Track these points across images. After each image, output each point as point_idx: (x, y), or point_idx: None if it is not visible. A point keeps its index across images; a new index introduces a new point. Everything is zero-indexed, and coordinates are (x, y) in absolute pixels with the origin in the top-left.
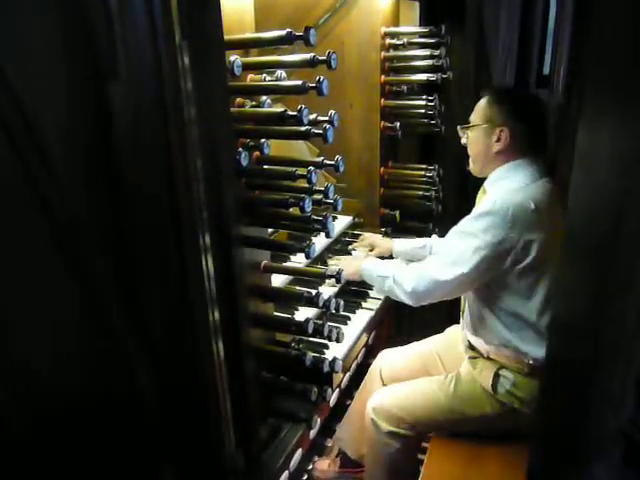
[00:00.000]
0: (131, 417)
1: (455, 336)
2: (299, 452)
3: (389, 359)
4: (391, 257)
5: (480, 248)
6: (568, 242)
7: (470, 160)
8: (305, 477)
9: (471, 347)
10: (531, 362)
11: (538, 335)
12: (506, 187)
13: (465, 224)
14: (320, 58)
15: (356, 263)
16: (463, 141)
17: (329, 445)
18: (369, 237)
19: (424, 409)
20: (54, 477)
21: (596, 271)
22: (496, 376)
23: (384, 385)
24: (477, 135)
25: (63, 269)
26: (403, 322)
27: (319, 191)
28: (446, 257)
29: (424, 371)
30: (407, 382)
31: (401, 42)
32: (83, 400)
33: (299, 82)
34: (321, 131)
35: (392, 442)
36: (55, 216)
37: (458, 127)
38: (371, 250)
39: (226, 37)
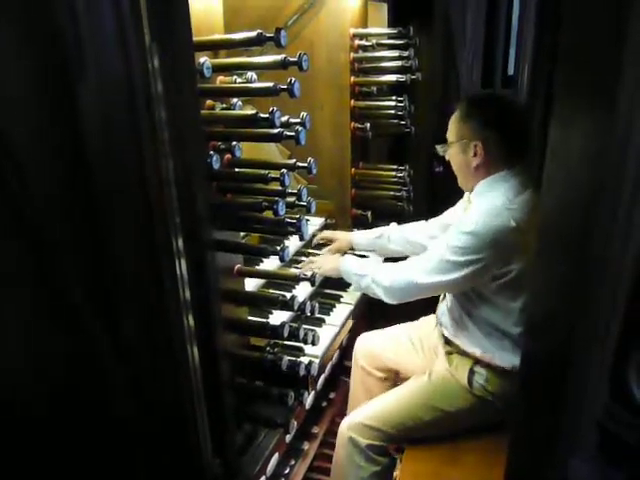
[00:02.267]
0: (106, 425)
1: (429, 326)
2: (275, 457)
3: (365, 343)
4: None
5: (459, 264)
6: (541, 239)
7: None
8: None
9: (447, 342)
10: (505, 368)
11: (514, 344)
12: (490, 203)
13: (452, 237)
14: (291, 59)
15: (334, 259)
16: (447, 158)
17: (305, 448)
18: (327, 232)
19: (401, 413)
20: None
21: (569, 267)
22: (471, 372)
23: (363, 369)
24: (455, 152)
25: (36, 273)
26: (377, 322)
27: (292, 194)
28: (427, 263)
29: (398, 353)
30: (379, 396)
31: (370, 43)
32: (57, 407)
33: (270, 84)
34: (293, 133)
35: (368, 464)
36: (27, 222)
37: (437, 147)
38: (330, 243)
39: (195, 38)
